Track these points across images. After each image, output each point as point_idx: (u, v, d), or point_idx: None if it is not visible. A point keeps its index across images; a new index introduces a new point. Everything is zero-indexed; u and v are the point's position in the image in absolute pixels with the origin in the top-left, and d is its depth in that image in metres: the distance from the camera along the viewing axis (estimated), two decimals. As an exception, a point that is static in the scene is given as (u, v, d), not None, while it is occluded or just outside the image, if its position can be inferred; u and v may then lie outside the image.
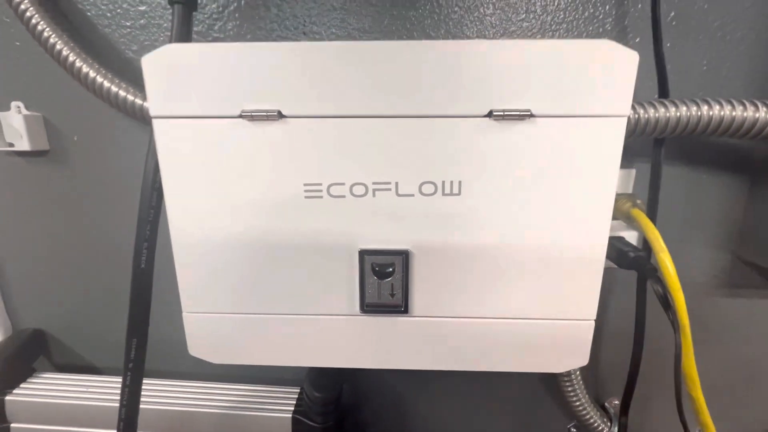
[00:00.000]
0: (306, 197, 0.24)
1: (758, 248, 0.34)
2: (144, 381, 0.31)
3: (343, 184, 0.24)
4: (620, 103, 0.22)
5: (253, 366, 0.40)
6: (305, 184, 0.24)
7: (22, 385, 0.37)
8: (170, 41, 0.26)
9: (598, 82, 0.22)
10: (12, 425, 0.36)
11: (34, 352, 0.40)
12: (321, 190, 0.24)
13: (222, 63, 0.22)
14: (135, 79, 0.31)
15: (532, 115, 0.22)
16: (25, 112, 0.35)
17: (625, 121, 0.22)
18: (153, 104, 0.23)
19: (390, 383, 0.41)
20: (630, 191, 0.34)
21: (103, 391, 0.37)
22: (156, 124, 0.23)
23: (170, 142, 0.23)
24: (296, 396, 0.37)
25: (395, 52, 0.22)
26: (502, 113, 0.22)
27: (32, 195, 0.37)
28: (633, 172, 0.34)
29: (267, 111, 0.23)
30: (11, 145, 0.35)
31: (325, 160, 0.23)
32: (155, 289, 0.28)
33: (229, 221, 0.25)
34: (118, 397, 0.32)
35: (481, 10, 0.32)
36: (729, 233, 0.35)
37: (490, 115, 0.22)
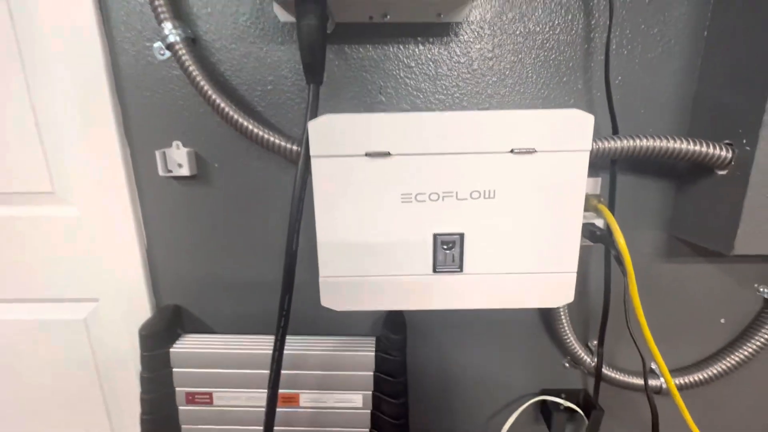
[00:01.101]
0: (402, 202, 0.39)
1: (685, 229, 0.50)
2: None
3: (424, 193, 0.39)
4: (584, 143, 0.38)
5: (342, 323, 0.55)
6: (401, 194, 0.39)
7: (176, 343, 0.52)
8: (306, 110, 0.41)
9: (572, 131, 0.38)
10: (174, 370, 0.51)
11: (176, 322, 0.55)
12: (411, 197, 0.39)
13: (355, 125, 0.38)
14: (263, 122, 0.47)
15: (535, 151, 0.38)
16: (182, 148, 0.50)
17: (588, 153, 0.38)
18: (313, 149, 0.38)
19: (435, 333, 0.57)
20: (598, 192, 0.50)
21: (233, 343, 0.52)
22: (314, 161, 0.38)
23: (321, 172, 0.39)
24: (374, 342, 0.52)
25: (458, 119, 0.37)
26: (518, 150, 0.38)
27: (183, 205, 0.52)
28: (599, 180, 0.50)
29: (380, 152, 0.38)
30: (170, 171, 0.50)
31: (414, 180, 0.39)
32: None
33: (354, 216, 0.40)
34: (246, 347, 0.47)
35: (489, 91, 0.48)
36: (664, 219, 0.52)
37: (512, 151, 0.38)
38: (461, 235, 0.40)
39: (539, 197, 0.39)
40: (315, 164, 0.39)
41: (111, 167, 0.52)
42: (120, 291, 0.58)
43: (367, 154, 0.39)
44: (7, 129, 0.52)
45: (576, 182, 0.39)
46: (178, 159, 0.50)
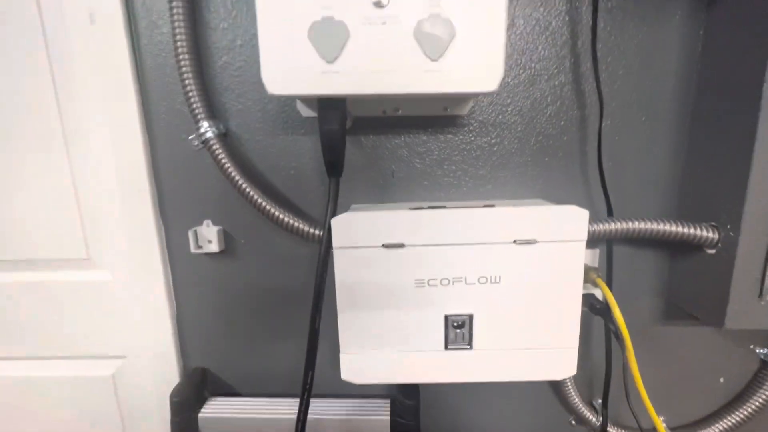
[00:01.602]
0: (415, 286, 0.43)
1: (680, 298, 0.53)
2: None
3: (436, 279, 0.43)
4: (581, 234, 0.42)
5: (357, 385, 0.58)
6: (415, 279, 0.43)
7: (204, 407, 0.55)
8: (328, 201, 0.45)
9: (569, 224, 0.42)
10: (202, 435, 0.55)
11: (203, 385, 0.58)
12: (423, 283, 0.43)
13: (372, 221, 0.42)
14: (287, 204, 0.51)
15: (536, 241, 0.42)
16: (211, 226, 0.54)
17: (584, 243, 0.42)
18: (335, 241, 0.42)
19: (446, 396, 0.60)
20: (596, 264, 0.53)
21: (258, 407, 0.55)
22: (336, 251, 0.43)
23: (343, 261, 0.43)
24: (389, 405, 0.55)
25: (466, 215, 0.42)
26: (520, 241, 0.42)
27: (210, 277, 0.56)
28: (597, 251, 0.54)
29: (395, 243, 0.42)
30: (200, 247, 0.54)
31: (426, 267, 0.43)
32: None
33: (372, 299, 0.44)
34: (271, 411, 0.50)
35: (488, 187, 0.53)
36: (661, 285, 0.55)
37: (515, 242, 0.42)
38: (470, 316, 0.44)
39: (541, 282, 0.43)
40: (336, 254, 0.43)
41: (145, 240, 0.56)
42: (147, 350, 0.62)
43: (383, 246, 0.43)
44: (49, 200, 0.56)
45: (574, 268, 0.43)
46: (208, 236, 0.54)
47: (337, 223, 0.43)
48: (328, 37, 0.37)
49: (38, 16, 0.49)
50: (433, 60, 0.38)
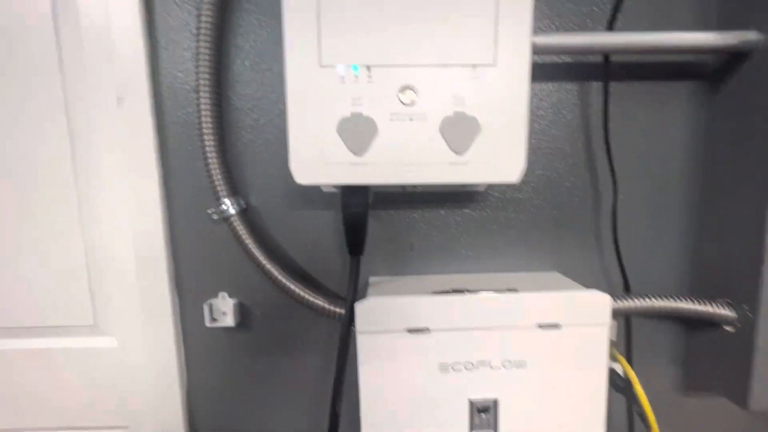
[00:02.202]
0: (440, 371, 0.43)
1: (700, 374, 0.53)
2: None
3: (460, 363, 0.43)
4: (604, 319, 0.42)
5: None
6: (439, 363, 0.43)
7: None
8: (349, 280, 0.45)
9: (592, 309, 0.42)
10: None
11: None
12: (448, 367, 0.43)
13: (397, 306, 0.42)
14: (306, 280, 0.51)
15: (560, 326, 0.42)
16: (227, 298, 0.54)
17: (607, 327, 0.42)
18: (359, 326, 0.42)
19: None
20: (614, 337, 0.53)
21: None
22: (359, 336, 0.42)
23: (366, 346, 0.43)
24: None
25: (489, 300, 0.42)
26: (544, 325, 0.42)
27: (224, 349, 0.55)
28: (615, 323, 0.54)
29: (420, 328, 0.42)
30: (215, 320, 0.54)
31: (450, 351, 0.43)
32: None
33: (396, 383, 0.43)
34: None
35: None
36: (680, 357, 0.55)
37: (539, 326, 0.42)
38: (495, 401, 0.43)
39: (565, 366, 0.43)
40: (360, 339, 0.43)
41: (158, 309, 0.55)
42: (153, 422, 0.59)
43: (408, 330, 0.43)
44: (59, 266, 0.56)
45: (598, 352, 0.43)
46: (223, 308, 0.54)
47: (361, 308, 0.42)
48: (357, 132, 0.39)
49: (62, 98, 0.51)
50: (458, 153, 0.39)
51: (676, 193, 0.52)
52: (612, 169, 0.49)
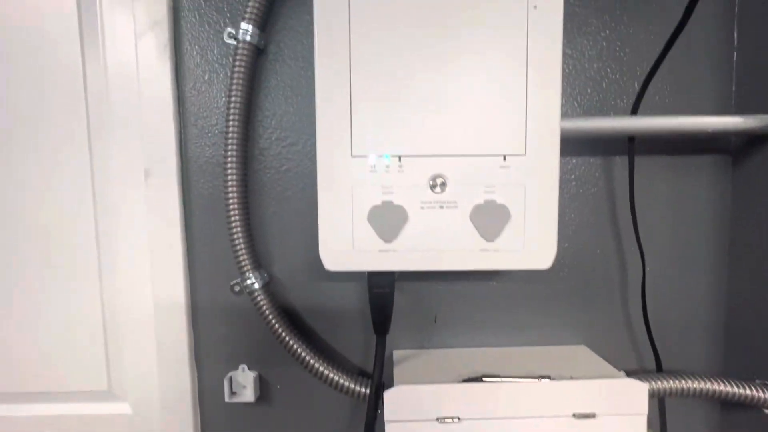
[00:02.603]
0: (470, 462, 0.41)
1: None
2: None
3: (492, 453, 0.41)
4: (641, 408, 0.41)
5: None
6: (470, 454, 0.41)
7: None
8: (375, 362, 0.44)
9: (629, 398, 0.41)
10: None
11: None
12: (479, 457, 0.41)
13: (427, 395, 0.41)
14: (328, 354, 0.50)
15: (596, 415, 0.41)
16: (247, 371, 0.53)
17: (645, 416, 0.41)
18: (387, 414, 0.41)
19: None
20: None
21: None
22: (388, 425, 0.41)
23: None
24: None
25: (523, 388, 0.41)
26: (579, 414, 0.41)
27: (243, 422, 0.54)
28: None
29: (450, 417, 0.41)
30: (234, 393, 0.52)
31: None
32: None
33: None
34: None
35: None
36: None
37: (573, 415, 0.41)
38: (530, 493, 0.41)
39: (603, 457, 0.41)
40: (389, 428, 0.41)
41: (175, 378, 0.54)
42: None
43: (438, 419, 0.41)
44: (75, 331, 0.55)
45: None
46: (243, 381, 0.52)
47: (390, 396, 0.41)
48: (388, 220, 0.39)
49: (90, 169, 0.51)
50: (488, 241, 0.39)
51: (705, 267, 0.51)
52: (639, 243, 0.49)
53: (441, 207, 0.39)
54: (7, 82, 0.52)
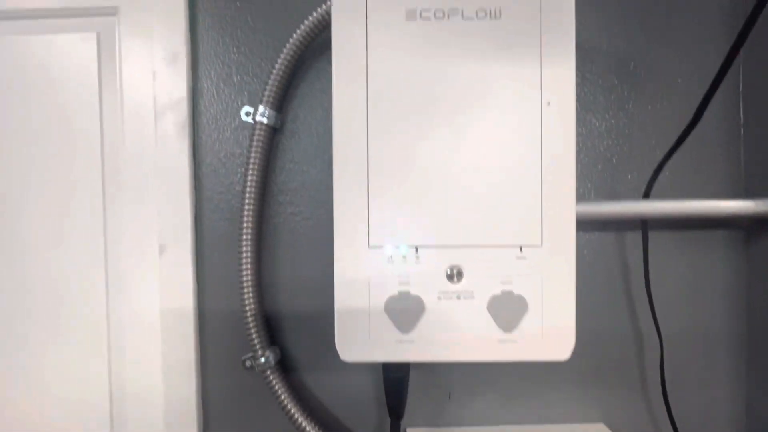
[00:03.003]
0: None
1: None
2: None
3: None
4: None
5: None
6: None
7: None
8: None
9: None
10: None
11: None
12: None
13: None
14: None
15: None
16: (257, 449, 0.51)
17: None
18: None
19: None
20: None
21: None
22: None
23: None
24: None
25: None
26: None
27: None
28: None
29: None
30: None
31: None
32: None
33: None
34: None
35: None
36: None
37: None
38: None
39: None
40: None
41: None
42: None
43: None
44: (81, 407, 0.54)
45: None
46: (254, 461, 0.51)
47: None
48: (405, 311, 0.38)
49: (103, 243, 0.52)
50: (506, 331, 0.38)
51: (723, 343, 0.51)
52: (656, 323, 0.48)
53: (458, 297, 0.38)
54: (26, 147, 0.53)
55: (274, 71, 0.48)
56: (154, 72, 0.49)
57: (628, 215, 0.43)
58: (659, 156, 0.48)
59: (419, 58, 0.39)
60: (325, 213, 0.50)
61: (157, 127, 0.49)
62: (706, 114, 0.49)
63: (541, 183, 0.38)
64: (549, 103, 0.39)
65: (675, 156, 0.49)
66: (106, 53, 0.55)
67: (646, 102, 0.51)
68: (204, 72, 0.51)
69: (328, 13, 0.46)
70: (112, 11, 0.56)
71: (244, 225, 0.48)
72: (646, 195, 0.45)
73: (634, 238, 0.50)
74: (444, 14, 0.39)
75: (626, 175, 0.51)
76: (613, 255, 0.50)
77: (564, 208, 0.38)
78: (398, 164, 0.39)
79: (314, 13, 0.46)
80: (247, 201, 0.48)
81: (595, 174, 0.50)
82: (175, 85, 0.49)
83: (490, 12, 0.39)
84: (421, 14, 0.39)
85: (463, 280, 0.38)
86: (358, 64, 0.39)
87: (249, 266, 0.49)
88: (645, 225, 0.45)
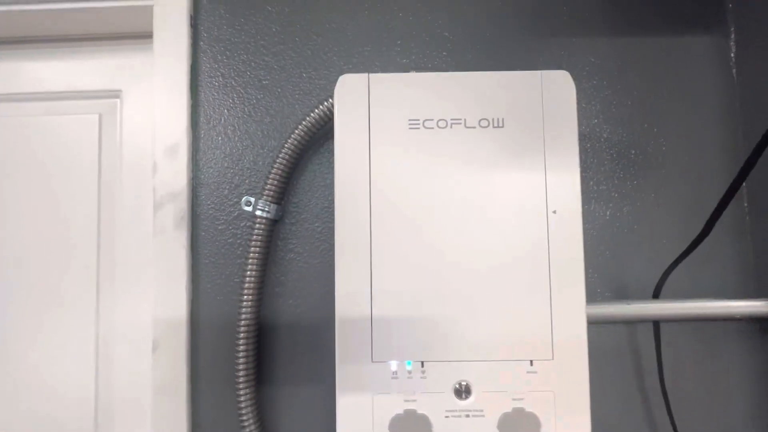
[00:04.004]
0: None
1: None
2: None
3: None
4: None
5: None
6: None
7: None
8: None
9: None
10: None
11: None
12: None
13: None
14: None
15: None
16: None
17: None
18: None
19: None
20: None
21: None
22: None
23: None
24: None
25: None
26: None
27: None
28: None
29: None
30: None
31: None
32: None
33: None
34: None
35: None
36: None
37: None
38: None
39: None
40: None
41: None
42: None
43: None
44: None
45: None
46: None
47: None
48: (410, 431, 0.36)
49: (95, 335, 0.50)
50: (519, 454, 0.36)
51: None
52: (673, 424, 0.46)
53: (467, 416, 0.36)
54: (21, 226, 0.52)
55: (275, 165, 0.47)
56: (155, 163, 0.49)
57: (641, 316, 0.42)
58: (665, 244, 0.47)
59: (423, 165, 0.38)
60: (324, 306, 0.49)
61: (155, 219, 0.49)
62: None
63: (550, 294, 0.37)
64: (555, 212, 0.38)
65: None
66: (107, 136, 0.55)
67: (649, 190, 0.50)
68: (205, 162, 0.50)
69: (329, 110, 0.46)
70: (115, 94, 0.57)
71: (242, 323, 0.47)
72: (656, 295, 0.44)
73: (645, 329, 0.49)
74: (447, 123, 0.39)
75: (633, 260, 0.50)
76: (625, 348, 0.49)
77: (574, 319, 0.37)
78: (402, 275, 0.38)
79: (315, 111, 0.46)
80: (245, 295, 0.46)
81: (600, 262, 0.49)
82: (176, 177, 0.49)
83: (493, 121, 0.39)
84: (424, 123, 0.39)
85: (472, 396, 0.37)
86: (360, 170, 0.39)
87: (246, 362, 0.46)
88: (657, 327, 0.44)
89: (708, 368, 0.48)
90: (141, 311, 0.50)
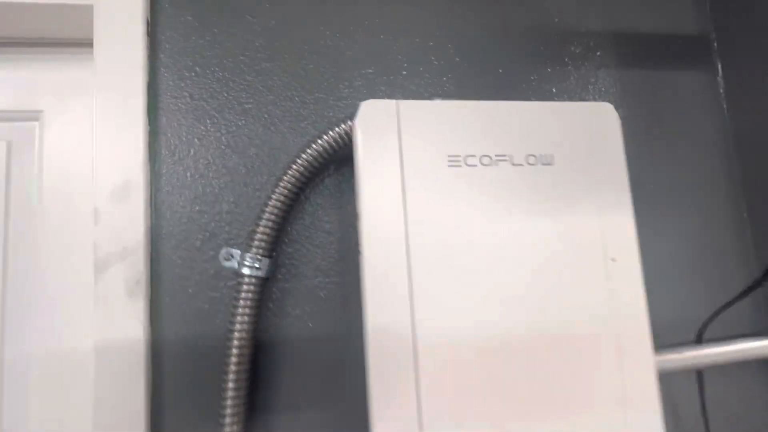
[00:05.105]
0: None
1: None
2: None
3: None
4: None
5: None
6: None
7: None
8: None
9: None
10: None
11: None
12: None
13: None
14: None
15: None
16: None
17: None
18: None
19: None
20: None
21: None
22: None
23: None
24: None
25: None
26: None
27: None
28: None
29: None
30: None
31: None
32: None
33: None
34: None
35: None
36: None
37: None
38: None
39: None
40: None
41: None
42: None
43: None
44: None
45: None
46: None
47: None
48: None
49: None
50: None
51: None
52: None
53: None
54: None
55: (267, 208, 0.37)
56: (97, 209, 0.37)
57: (685, 365, 0.39)
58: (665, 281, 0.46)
59: (468, 209, 0.32)
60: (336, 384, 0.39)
61: (98, 286, 0.36)
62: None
63: (617, 354, 0.32)
64: (614, 260, 0.34)
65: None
66: (18, 169, 0.41)
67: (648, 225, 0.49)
68: (168, 206, 0.39)
69: (337, 141, 0.38)
70: (33, 116, 0.44)
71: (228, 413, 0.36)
72: (699, 340, 0.41)
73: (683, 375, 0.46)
74: (491, 160, 0.33)
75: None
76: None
77: (644, 376, 0.32)
78: (453, 344, 0.30)
79: (319, 141, 0.37)
80: (230, 382, 0.36)
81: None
82: (128, 227, 0.37)
83: (542, 158, 0.34)
84: (466, 160, 0.33)
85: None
86: (395, 216, 0.31)
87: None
88: (701, 377, 0.41)
89: (748, 411, 0.47)
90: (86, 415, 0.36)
